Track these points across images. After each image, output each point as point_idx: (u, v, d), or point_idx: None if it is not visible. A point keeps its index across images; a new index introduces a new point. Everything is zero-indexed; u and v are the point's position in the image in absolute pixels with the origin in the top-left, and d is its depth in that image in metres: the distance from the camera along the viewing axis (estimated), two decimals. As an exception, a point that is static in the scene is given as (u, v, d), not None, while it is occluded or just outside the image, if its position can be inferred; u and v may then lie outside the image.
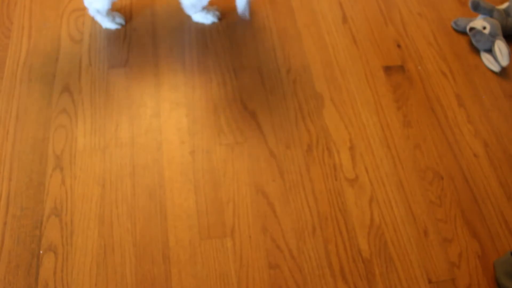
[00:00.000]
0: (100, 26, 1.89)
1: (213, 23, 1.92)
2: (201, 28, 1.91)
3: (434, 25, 2.04)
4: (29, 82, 1.72)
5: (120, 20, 1.81)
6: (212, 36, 1.89)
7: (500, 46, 1.87)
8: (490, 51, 1.91)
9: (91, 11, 1.75)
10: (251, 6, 1.28)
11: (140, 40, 1.86)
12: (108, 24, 1.78)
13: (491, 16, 1.91)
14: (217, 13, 1.63)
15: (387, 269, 1.44)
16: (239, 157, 1.60)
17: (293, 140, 1.66)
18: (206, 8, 1.57)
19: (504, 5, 1.99)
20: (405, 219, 1.53)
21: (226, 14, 1.95)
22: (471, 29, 1.95)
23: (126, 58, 1.81)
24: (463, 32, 2.01)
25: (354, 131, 1.70)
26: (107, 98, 1.71)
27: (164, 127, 1.65)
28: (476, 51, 1.96)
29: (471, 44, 1.97)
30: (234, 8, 1.99)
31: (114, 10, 1.93)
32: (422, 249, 1.48)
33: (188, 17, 1.94)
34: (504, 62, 1.87)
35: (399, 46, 1.96)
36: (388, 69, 1.88)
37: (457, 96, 1.84)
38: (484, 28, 1.91)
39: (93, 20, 1.90)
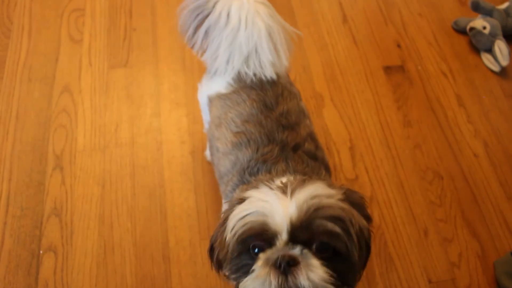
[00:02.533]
0: (100, 26, 1.89)
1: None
2: (201, 28, 1.91)
3: (434, 25, 2.04)
4: (29, 82, 1.72)
5: None
6: (212, 36, 1.89)
7: (500, 46, 1.86)
8: (490, 51, 1.91)
9: None
10: None
11: (140, 40, 1.86)
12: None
13: (491, 16, 1.91)
14: None
15: (387, 269, 1.44)
16: (239, 157, 1.60)
17: (293, 140, 1.66)
18: None
19: (504, 5, 1.99)
20: (405, 219, 1.53)
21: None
22: (471, 29, 1.94)
23: (126, 58, 1.81)
24: (463, 32, 2.01)
25: (354, 131, 1.70)
26: (107, 98, 1.71)
27: (164, 127, 1.65)
28: (476, 51, 1.96)
29: (471, 44, 1.97)
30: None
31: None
32: (422, 249, 1.48)
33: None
34: (504, 62, 1.86)
35: (399, 46, 1.96)
36: (388, 69, 1.88)
37: (457, 96, 1.84)
38: (484, 28, 1.90)
39: (93, 20, 1.90)
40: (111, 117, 1.66)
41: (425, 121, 1.76)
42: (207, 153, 1.55)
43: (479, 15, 1.97)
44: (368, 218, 0.84)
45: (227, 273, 0.83)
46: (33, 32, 1.84)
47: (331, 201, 0.75)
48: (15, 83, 1.71)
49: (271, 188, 0.78)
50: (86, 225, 1.44)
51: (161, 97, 1.72)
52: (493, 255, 1.49)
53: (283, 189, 0.77)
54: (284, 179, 0.88)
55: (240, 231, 0.75)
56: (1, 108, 1.65)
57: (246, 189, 0.99)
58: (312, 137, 1.10)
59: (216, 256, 0.84)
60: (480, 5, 1.90)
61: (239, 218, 0.76)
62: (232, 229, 0.77)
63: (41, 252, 1.39)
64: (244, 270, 0.78)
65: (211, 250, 0.89)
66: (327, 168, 1.08)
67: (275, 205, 0.74)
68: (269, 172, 1.00)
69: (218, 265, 0.86)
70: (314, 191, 0.75)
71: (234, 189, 1.04)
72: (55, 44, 1.82)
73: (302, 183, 0.78)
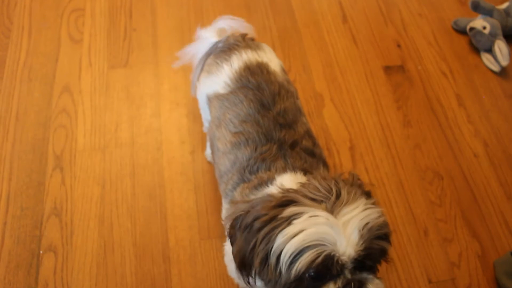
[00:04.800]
0: (100, 26, 1.89)
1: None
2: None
3: (434, 25, 2.03)
4: (29, 82, 1.72)
5: None
6: (212, 36, 1.89)
7: (500, 46, 1.86)
8: (490, 51, 1.91)
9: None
10: None
11: (140, 40, 1.86)
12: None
13: (491, 16, 1.91)
14: None
15: (387, 269, 1.44)
16: (239, 157, 1.60)
17: (293, 140, 1.66)
18: None
19: (504, 5, 1.99)
20: (405, 219, 1.53)
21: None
22: (471, 29, 1.94)
23: (126, 58, 1.81)
24: (463, 32, 2.01)
25: (354, 131, 1.70)
26: (107, 98, 1.71)
27: (164, 127, 1.65)
28: (476, 51, 1.96)
29: (471, 44, 1.97)
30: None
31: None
32: (422, 249, 1.48)
33: (188, 17, 1.94)
34: (504, 62, 1.86)
35: (399, 46, 1.96)
36: (388, 69, 1.88)
37: (457, 96, 1.84)
38: (484, 28, 1.90)
39: (93, 20, 1.90)
40: (111, 117, 1.66)
41: (425, 121, 1.76)
42: (207, 153, 1.56)
43: (479, 15, 1.97)
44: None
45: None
46: (33, 32, 1.84)
47: (380, 220, 0.76)
48: (15, 83, 1.71)
49: (311, 206, 0.76)
50: (86, 225, 1.44)
51: (161, 97, 1.72)
52: (493, 255, 1.49)
53: (321, 202, 0.76)
54: (299, 179, 0.88)
55: (303, 267, 0.73)
56: (1, 108, 1.65)
57: (247, 187, 0.99)
58: (309, 134, 1.12)
59: (249, 266, 0.81)
60: (480, 5, 1.90)
61: (297, 251, 0.73)
62: (291, 262, 0.74)
63: (41, 252, 1.39)
64: None
65: (232, 237, 0.86)
66: (324, 164, 1.09)
67: (336, 234, 0.72)
68: (269, 169, 1.01)
69: (247, 270, 0.83)
70: (365, 213, 0.75)
71: (234, 188, 1.05)
72: (55, 44, 1.82)
73: (341, 197, 0.77)
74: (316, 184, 0.80)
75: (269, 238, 0.76)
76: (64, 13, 1.91)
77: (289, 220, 0.75)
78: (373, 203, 0.80)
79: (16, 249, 1.39)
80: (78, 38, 1.84)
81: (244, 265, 0.81)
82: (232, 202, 1.04)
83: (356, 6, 2.06)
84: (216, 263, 1.41)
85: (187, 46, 1.39)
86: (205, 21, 1.93)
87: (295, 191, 0.81)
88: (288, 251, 0.73)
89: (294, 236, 0.73)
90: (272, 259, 0.76)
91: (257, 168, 1.01)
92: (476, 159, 1.68)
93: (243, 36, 1.29)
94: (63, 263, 1.38)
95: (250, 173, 1.02)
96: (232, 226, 0.85)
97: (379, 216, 0.76)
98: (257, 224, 0.78)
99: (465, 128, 1.75)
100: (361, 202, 0.77)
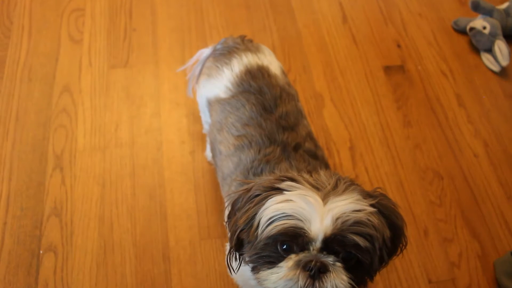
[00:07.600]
0: (100, 26, 1.89)
1: (215, 28, 1.93)
2: (201, 28, 1.91)
3: (434, 25, 2.03)
4: (29, 82, 1.72)
5: None
6: (213, 37, 1.89)
7: (500, 46, 1.86)
8: (490, 51, 1.91)
9: None
10: None
11: (140, 40, 1.86)
12: None
13: (491, 16, 1.91)
14: None
15: (387, 269, 1.44)
16: (239, 157, 1.60)
17: (293, 140, 1.66)
18: None
19: (504, 5, 1.99)
20: (405, 219, 1.53)
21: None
22: (471, 29, 1.94)
23: (126, 58, 1.81)
24: (463, 32, 2.01)
25: (354, 131, 1.70)
26: (107, 98, 1.71)
27: (164, 127, 1.65)
28: (476, 51, 1.96)
29: (471, 44, 1.97)
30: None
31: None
32: (422, 249, 1.48)
33: (188, 17, 1.94)
34: (504, 62, 1.86)
35: (399, 46, 1.95)
36: (388, 69, 1.88)
37: (457, 96, 1.84)
38: (484, 28, 1.90)
39: (93, 20, 1.90)
40: (111, 117, 1.66)
41: (425, 121, 1.76)
42: (207, 153, 1.56)
43: (479, 15, 1.97)
44: (400, 229, 0.86)
45: (247, 258, 0.84)
46: (33, 32, 1.84)
47: (365, 217, 0.78)
48: (15, 83, 1.71)
49: (308, 188, 0.80)
50: (86, 225, 1.44)
51: (161, 97, 1.72)
52: (493, 255, 1.49)
53: (318, 189, 0.80)
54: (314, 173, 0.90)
55: (274, 230, 0.77)
56: (1, 108, 1.65)
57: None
58: (311, 136, 1.13)
59: (238, 233, 0.85)
60: (480, 5, 1.90)
61: (275, 216, 0.78)
62: (267, 224, 0.78)
63: (41, 252, 1.39)
64: (266, 260, 0.81)
65: (230, 217, 0.90)
66: (327, 167, 1.11)
67: (314, 214, 0.76)
68: (273, 171, 1.02)
69: (239, 243, 0.87)
70: (350, 205, 0.77)
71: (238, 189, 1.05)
72: (55, 44, 1.82)
73: (337, 189, 0.80)
74: (322, 175, 0.84)
75: (261, 202, 0.81)
76: (64, 13, 1.91)
77: (282, 190, 0.80)
78: (373, 204, 0.80)
79: (16, 249, 1.39)
80: (78, 38, 1.84)
81: (234, 233, 0.85)
82: (236, 181, 1.05)
83: (356, 6, 2.06)
84: (216, 263, 1.41)
85: (188, 61, 1.44)
86: (205, 21, 1.93)
87: (301, 176, 0.84)
88: (268, 214, 0.78)
89: (278, 203, 0.78)
90: (256, 221, 0.81)
91: (261, 170, 1.03)
92: (476, 159, 1.68)
93: (242, 38, 1.29)
94: (63, 263, 1.38)
95: (254, 174, 1.03)
96: (232, 206, 0.88)
97: (363, 213, 0.77)
98: (257, 191, 0.82)
99: (465, 128, 1.75)
100: (353, 196, 0.79)
